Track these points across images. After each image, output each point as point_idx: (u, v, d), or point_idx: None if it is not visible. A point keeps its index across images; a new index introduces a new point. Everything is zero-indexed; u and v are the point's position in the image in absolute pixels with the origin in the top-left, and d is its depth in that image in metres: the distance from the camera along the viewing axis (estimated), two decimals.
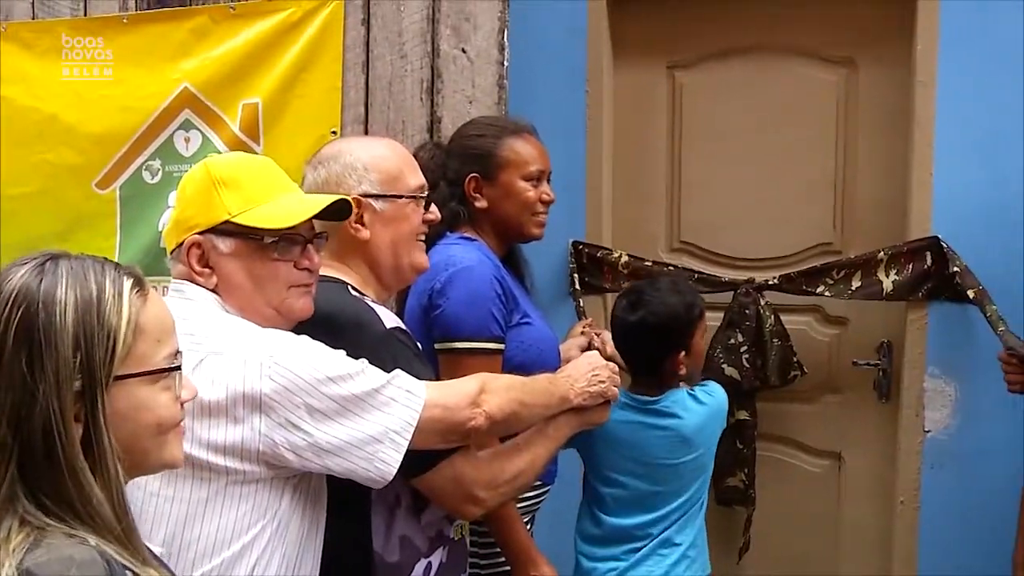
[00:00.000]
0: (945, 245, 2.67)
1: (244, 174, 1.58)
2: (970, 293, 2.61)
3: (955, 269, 2.64)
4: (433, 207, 1.87)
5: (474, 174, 2.15)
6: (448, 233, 2.13)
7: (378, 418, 1.48)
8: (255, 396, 1.41)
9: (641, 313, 2.16)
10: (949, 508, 2.76)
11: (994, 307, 2.56)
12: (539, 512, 2.25)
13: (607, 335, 2.38)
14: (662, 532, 2.15)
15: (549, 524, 2.34)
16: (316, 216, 1.58)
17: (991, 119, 2.67)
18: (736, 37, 2.99)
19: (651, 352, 2.17)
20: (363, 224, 1.75)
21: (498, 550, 2.08)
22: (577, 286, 2.96)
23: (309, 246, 1.60)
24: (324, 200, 1.60)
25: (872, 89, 2.89)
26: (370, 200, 1.76)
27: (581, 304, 2.92)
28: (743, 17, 2.98)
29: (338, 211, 1.63)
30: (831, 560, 2.99)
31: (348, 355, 1.52)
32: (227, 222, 1.53)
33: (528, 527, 2.12)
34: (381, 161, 1.79)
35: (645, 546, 2.15)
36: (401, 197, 1.79)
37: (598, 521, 2.22)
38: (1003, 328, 2.49)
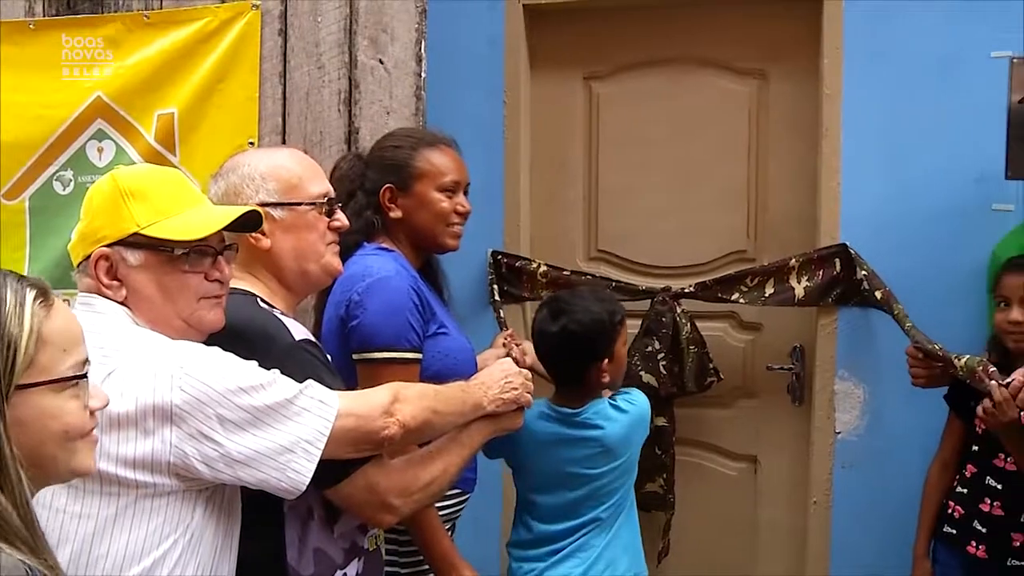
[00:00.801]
0: (852, 252, 2.75)
1: (153, 186, 1.56)
2: (877, 295, 2.69)
3: (863, 274, 2.72)
4: (339, 214, 1.87)
5: (389, 184, 2.16)
6: (365, 244, 2.13)
7: (290, 428, 1.48)
8: (166, 408, 1.40)
9: (563, 322, 2.13)
10: (860, 506, 2.84)
11: (900, 306, 2.65)
12: (459, 520, 2.26)
13: (528, 345, 2.39)
14: (584, 535, 2.16)
15: (470, 531, 2.37)
16: (226, 228, 1.58)
17: (894, 130, 2.76)
18: (652, 49, 3.05)
19: (575, 361, 2.15)
20: (263, 233, 1.74)
21: (420, 557, 2.08)
22: (497, 296, 2.98)
23: (220, 257, 1.59)
24: (234, 212, 1.59)
25: (782, 100, 2.97)
26: (268, 209, 1.74)
27: (502, 314, 2.94)
28: (658, 30, 3.04)
29: (250, 222, 1.62)
30: (748, 561, 3.05)
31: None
32: (136, 234, 1.51)
33: (449, 534, 2.13)
34: (279, 170, 1.79)
35: (566, 548, 2.16)
36: (300, 204, 1.78)
37: (529, 528, 2.22)
38: (909, 324, 2.58)
